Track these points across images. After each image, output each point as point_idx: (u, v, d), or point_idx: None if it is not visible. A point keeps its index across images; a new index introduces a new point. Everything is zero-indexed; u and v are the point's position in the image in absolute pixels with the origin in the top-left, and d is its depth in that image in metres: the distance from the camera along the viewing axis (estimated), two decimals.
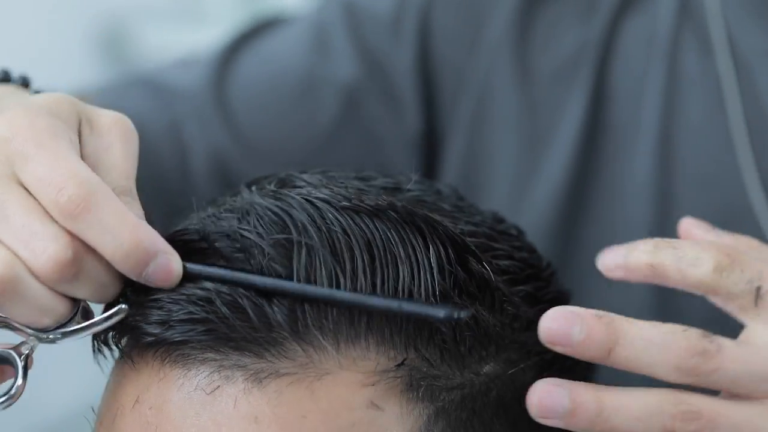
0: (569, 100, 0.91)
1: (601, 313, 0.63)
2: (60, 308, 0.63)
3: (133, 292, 0.64)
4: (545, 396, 0.62)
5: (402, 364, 0.63)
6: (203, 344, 0.62)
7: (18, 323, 0.63)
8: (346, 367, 0.62)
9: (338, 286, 0.62)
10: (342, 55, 0.95)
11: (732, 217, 0.85)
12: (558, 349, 0.62)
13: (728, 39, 0.88)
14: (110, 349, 0.67)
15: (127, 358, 0.65)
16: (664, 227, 0.85)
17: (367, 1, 0.97)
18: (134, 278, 0.63)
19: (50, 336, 0.64)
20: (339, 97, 0.93)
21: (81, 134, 0.66)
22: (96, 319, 0.64)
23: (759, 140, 0.86)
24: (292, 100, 0.90)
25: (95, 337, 0.66)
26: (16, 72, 0.77)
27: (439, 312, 0.61)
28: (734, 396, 0.63)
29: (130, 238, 0.62)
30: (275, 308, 0.62)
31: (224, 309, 0.62)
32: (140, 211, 0.65)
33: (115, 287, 0.64)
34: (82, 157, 0.64)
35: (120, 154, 0.66)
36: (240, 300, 0.62)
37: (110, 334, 0.66)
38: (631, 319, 0.63)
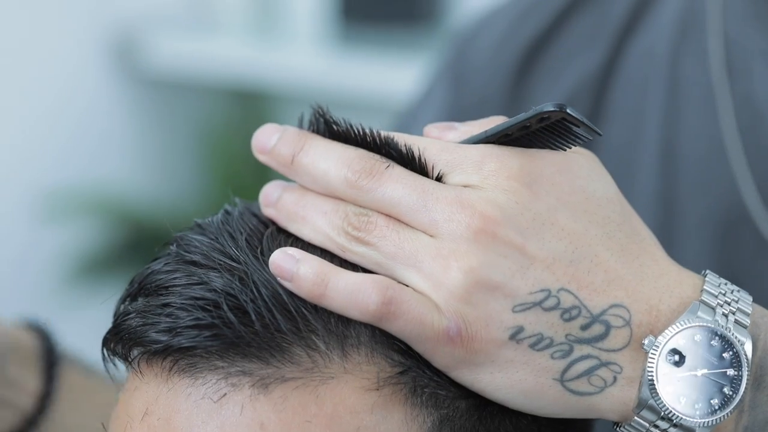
0: None
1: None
2: None
3: (144, 298, 0.65)
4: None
5: (405, 371, 0.63)
6: (210, 351, 0.63)
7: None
8: (350, 371, 0.63)
9: None
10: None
11: (731, 222, 0.84)
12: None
13: (725, 41, 0.88)
14: (119, 359, 0.67)
15: (135, 369, 0.66)
16: (669, 238, 0.85)
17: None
18: None
19: None
20: None
21: None
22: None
23: (751, 141, 0.86)
24: None
25: (105, 346, 0.67)
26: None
27: (548, 105, 0.62)
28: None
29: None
30: (280, 314, 0.63)
31: (230, 314, 0.62)
32: None
33: None
34: None
35: None
36: (245, 305, 0.63)
37: (119, 345, 0.66)
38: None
